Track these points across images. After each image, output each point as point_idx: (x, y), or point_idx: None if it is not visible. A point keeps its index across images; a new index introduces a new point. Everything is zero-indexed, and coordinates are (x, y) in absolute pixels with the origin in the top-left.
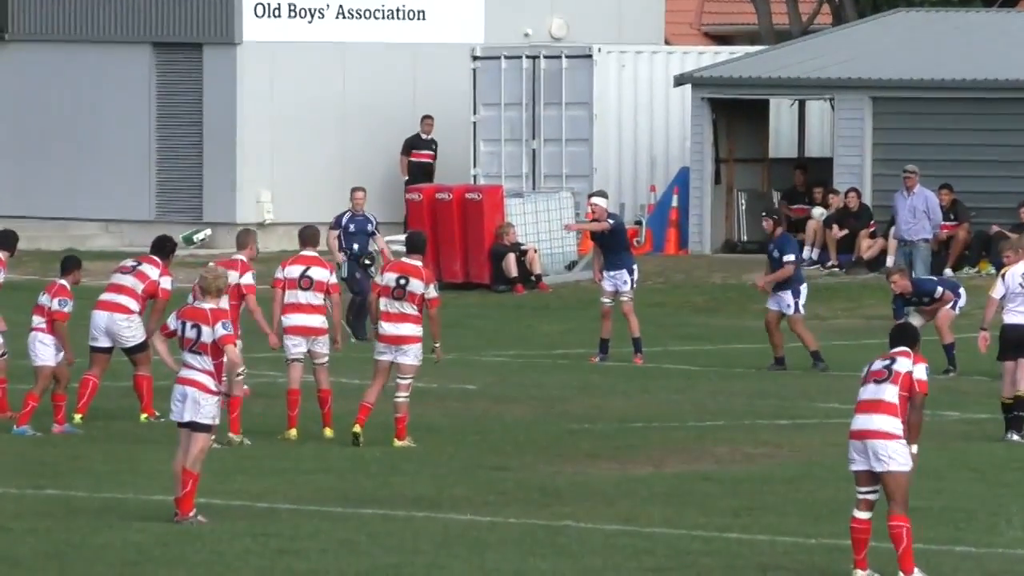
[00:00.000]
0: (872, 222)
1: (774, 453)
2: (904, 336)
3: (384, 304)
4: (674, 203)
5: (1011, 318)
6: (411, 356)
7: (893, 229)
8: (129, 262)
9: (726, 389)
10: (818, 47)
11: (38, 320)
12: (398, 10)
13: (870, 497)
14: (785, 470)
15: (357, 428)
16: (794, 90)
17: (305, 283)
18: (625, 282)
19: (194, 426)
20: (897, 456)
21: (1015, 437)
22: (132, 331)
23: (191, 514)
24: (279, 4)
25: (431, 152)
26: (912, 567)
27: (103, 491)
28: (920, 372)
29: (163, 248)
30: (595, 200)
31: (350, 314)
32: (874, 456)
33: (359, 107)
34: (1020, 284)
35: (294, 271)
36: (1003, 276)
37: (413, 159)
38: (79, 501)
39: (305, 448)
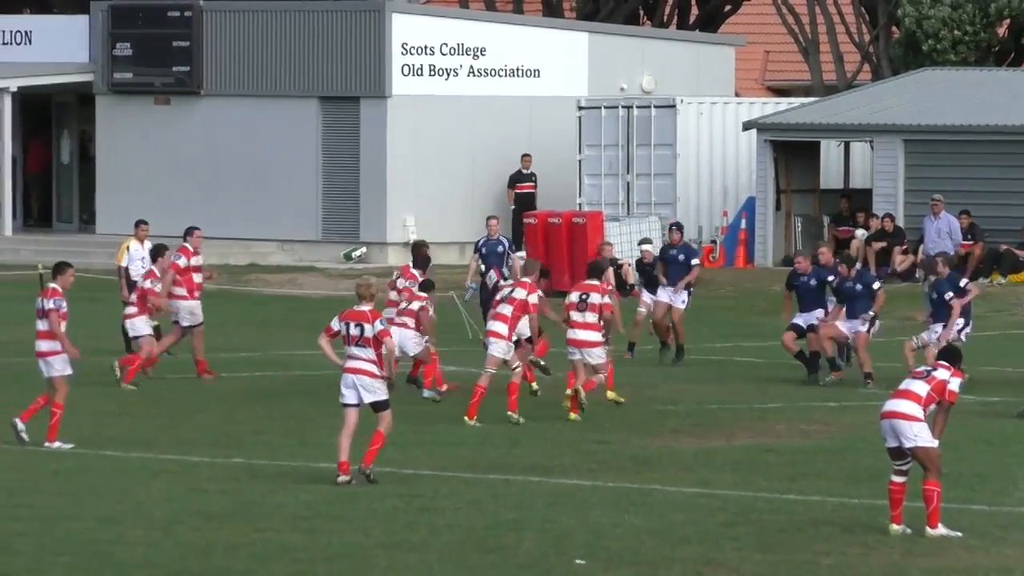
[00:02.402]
0: (904, 241)
1: (824, 430)
2: (950, 355)
3: (574, 315)
4: (743, 226)
5: None
6: (595, 356)
7: (921, 246)
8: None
9: (784, 377)
10: (860, 99)
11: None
12: (517, 69)
13: (903, 468)
14: (833, 443)
15: (573, 416)
16: (840, 133)
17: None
18: (683, 301)
19: (376, 405)
20: (922, 434)
21: None
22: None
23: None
24: (421, 65)
25: (532, 184)
26: (937, 523)
27: (279, 459)
28: (954, 384)
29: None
30: (645, 247)
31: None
32: (901, 434)
33: (486, 148)
34: None
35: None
36: None
37: (518, 191)
38: (260, 468)
39: (441, 426)
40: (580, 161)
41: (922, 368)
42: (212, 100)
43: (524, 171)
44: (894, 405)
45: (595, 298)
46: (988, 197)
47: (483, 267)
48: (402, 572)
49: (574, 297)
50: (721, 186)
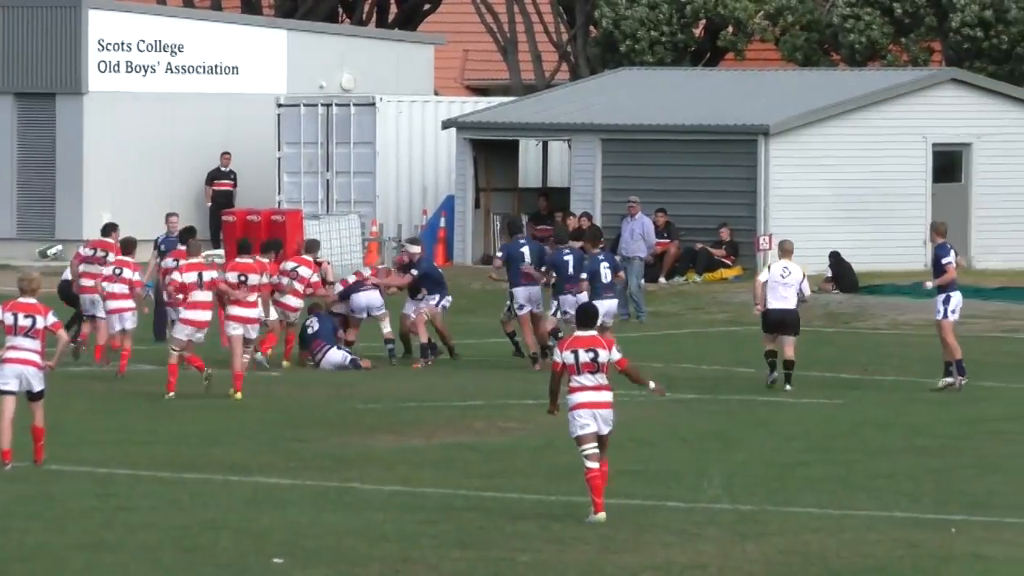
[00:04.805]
0: (601, 240)
1: (522, 427)
2: (590, 317)
3: (238, 294)
4: (442, 224)
5: (773, 304)
6: (256, 331)
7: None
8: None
9: (483, 375)
10: (558, 98)
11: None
12: (216, 66)
13: (596, 451)
14: (532, 440)
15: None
16: (539, 132)
17: None
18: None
19: (35, 395)
20: (613, 420)
21: (789, 387)
22: None
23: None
24: (118, 61)
25: (230, 181)
26: (601, 508)
27: None
28: (615, 354)
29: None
30: (409, 247)
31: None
32: (604, 421)
33: (184, 145)
34: (780, 276)
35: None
36: (769, 267)
37: (216, 188)
38: None
39: (139, 423)
40: (279, 159)
41: (587, 358)
42: None
43: (223, 168)
44: (598, 397)
45: (254, 278)
46: (684, 196)
47: (161, 264)
48: (97, 572)
49: (232, 277)
50: (421, 184)
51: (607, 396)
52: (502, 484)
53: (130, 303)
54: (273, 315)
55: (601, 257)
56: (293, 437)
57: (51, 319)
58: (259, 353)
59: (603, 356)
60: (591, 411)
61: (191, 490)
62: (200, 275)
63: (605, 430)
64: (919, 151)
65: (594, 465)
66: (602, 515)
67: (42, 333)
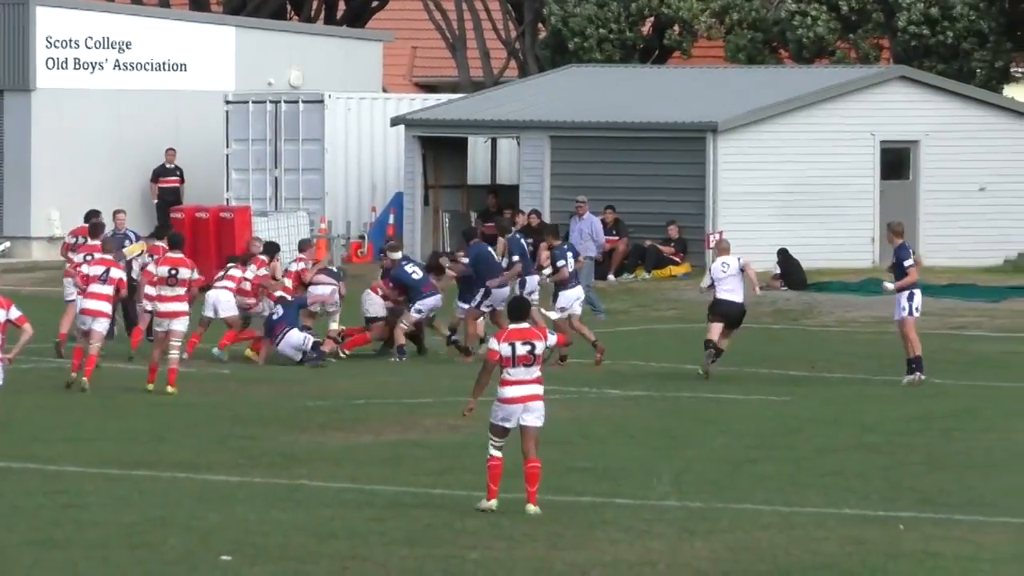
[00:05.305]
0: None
1: (472, 424)
2: (522, 311)
3: (164, 290)
4: (391, 221)
5: (721, 295)
6: (182, 324)
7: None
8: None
9: (434, 371)
10: (507, 95)
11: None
12: (164, 63)
13: (503, 445)
14: (481, 438)
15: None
16: (487, 130)
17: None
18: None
19: None
20: (545, 413)
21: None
22: None
23: None
24: (66, 58)
25: (176, 178)
26: (536, 501)
27: None
28: (552, 339)
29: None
30: (389, 254)
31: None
32: (534, 414)
33: (132, 142)
34: (722, 272)
35: None
36: (710, 269)
37: (161, 185)
38: None
39: (88, 420)
40: (228, 155)
41: (523, 351)
42: None
43: (168, 165)
44: (528, 391)
45: (184, 273)
46: (633, 193)
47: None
48: (47, 570)
49: (163, 271)
50: (370, 181)
51: (539, 389)
52: (451, 481)
53: None
54: (208, 314)
55: (564, 247)
56: (242, 434)
57: (15, 312)
58: (215, 349)
59: (540, 347)
60: (521, 405)
61: (140, 487)
62: (107, 270)
63: (535, 423)
64: (867, 148)
65: (498, 454)
66: (495, 502)
67: (4, 327)
